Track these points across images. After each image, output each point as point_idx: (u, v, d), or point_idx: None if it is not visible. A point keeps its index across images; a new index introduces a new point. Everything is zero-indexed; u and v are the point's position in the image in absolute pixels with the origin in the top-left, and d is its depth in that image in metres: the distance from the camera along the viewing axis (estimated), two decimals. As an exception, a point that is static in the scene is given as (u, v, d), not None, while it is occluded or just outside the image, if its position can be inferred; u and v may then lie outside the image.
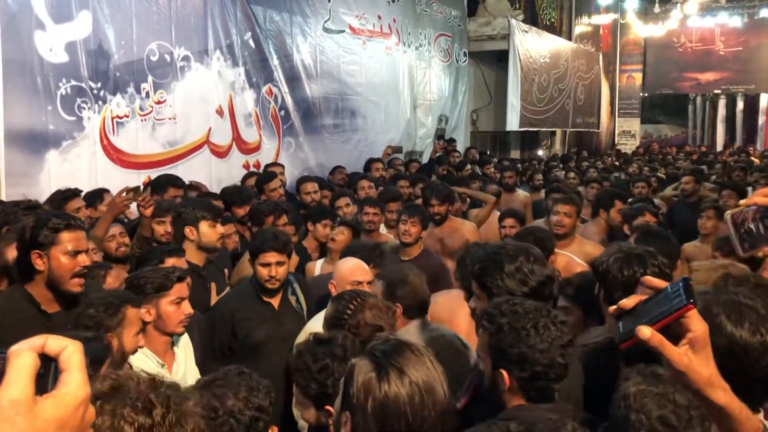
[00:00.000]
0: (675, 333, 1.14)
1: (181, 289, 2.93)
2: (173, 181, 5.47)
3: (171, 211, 4.41)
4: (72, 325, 2.57)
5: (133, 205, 4.34)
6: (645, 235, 3.91)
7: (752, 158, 16.02)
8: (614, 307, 1.22)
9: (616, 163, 14.55)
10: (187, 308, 2.94)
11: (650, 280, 1.22)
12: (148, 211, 4.23)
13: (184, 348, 3.11)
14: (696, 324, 1.15)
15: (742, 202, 1.35)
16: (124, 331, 2.51)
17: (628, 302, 1.20)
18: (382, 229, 5.56)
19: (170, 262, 3.35)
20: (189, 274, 3.25)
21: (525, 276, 2.32)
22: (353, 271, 3.47)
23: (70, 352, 0.78)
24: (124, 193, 4.23)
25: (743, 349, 1.54)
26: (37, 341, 0.78)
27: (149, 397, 1.34)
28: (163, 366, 2.90)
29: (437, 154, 10.41)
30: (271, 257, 3.55)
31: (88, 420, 0.79)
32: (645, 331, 1.12)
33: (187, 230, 3.92)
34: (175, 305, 2.89)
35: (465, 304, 2.69)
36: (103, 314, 2.50)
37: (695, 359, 1.14)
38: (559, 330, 1.95)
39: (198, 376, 3.09)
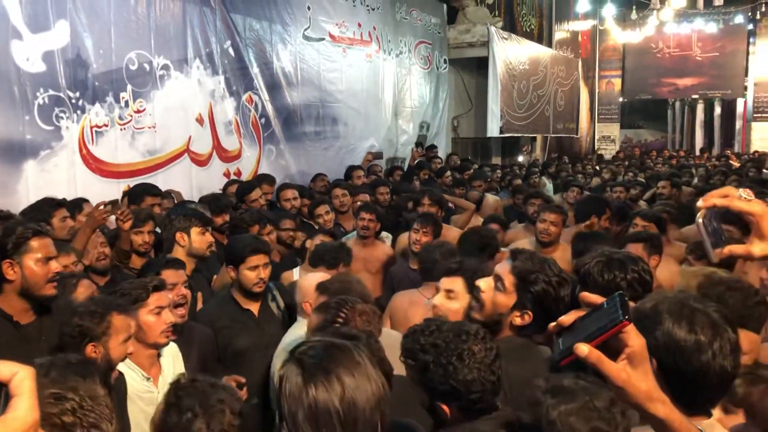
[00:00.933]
0: (614, 348, 1.15)
1: (160, 298, 2.88)
2: (150, 189, 5.45)
3: (149, 221, 4.41)
4: (58, 334, 2.55)
5: (112, 218, 4.33)
6: (582, 237, 4.00)
7: (731, 161, 16.23)
8: (553, 324, 1.23)
9: (597, 168, 14.68)
10: (168, 317, 2.88)
11: (587, 296, 1.22)
12: (127, 225, 4.25)
13: (173, 359, 3.04)
14: (633, 339, 1.16)
15: (699, 203, 1.34)
16: (110, 339, 2.49)
17: (567, 319, 1.21)
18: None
19: (166, 274, 3.28)
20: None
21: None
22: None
23: (21, 377, 0.79)
24: (102, 206, 4.20)
25: (677, 345, 1.58)
26: None
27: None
28: (148, 380, 2.86)
29: (416, 161, 10.46)
30: (259, 260, 3.56)
31: None
32: (583, 348, 1.13)
33: (179, 236, 3.91)
34: (155, 315, 2.84)
35: (421, 303, 2.72)
36: (88, 322, 2.47)
37: (634, 374, 1.15)
38: (484, 348, 1.92)
39: None
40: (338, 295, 2.87)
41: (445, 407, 1.89)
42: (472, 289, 2.66)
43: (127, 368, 2.78)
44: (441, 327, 1.97)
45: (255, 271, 3.57)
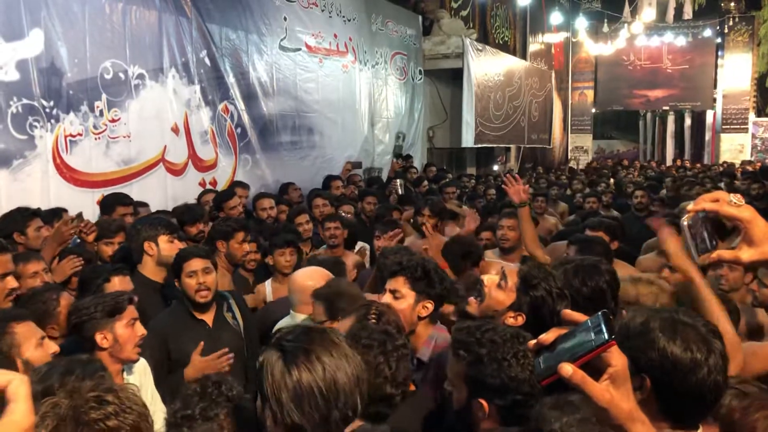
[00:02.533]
0: (595, 367, 1.14)
1: (132, 310, 2.84)
2: (121, 199, 5.39)
3: (120, 232, 4.38)
4: None
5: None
6: (581, 242, 4.08)
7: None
8: (533, 341, 1.21)
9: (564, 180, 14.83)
10: (140, 329, 2.84)
11: (569, 314, 1.21)
12: (91, 237, 4.26)
13: (140, 376, 2.95)
14: (616, 358, 1.15)
15: (689, 207, 1.35)
16: (21, 348, 2.43)
17: (547, 337, 1.19)
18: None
19: (115, 281, 3.24)
20: (147, 291, 3.21)
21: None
22: (311, 275, 3.47)
23: (16, 384, 0.84)
24: (69, 221, 4.15)
25: (673, 364, 1.58)
26: None
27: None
28: None
29: (395, 172, 10.50)
30: (196, 264, 3.42)
31: None
32: (567, 369, 1.12)
33: (146, 245, 3.85)
34: (129, 327, 2.79)
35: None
36: None
37: (616, 394, 1.15)
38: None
39: (159, 402, 2.98)
40: (333, 300, 2.92)
41: (485, 404, 1.89)
42: (421, 288, 2.74)
43: None
44: (496, 327, 2.00)
45: (193, 277, 3.42)
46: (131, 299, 2.87)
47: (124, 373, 2.87)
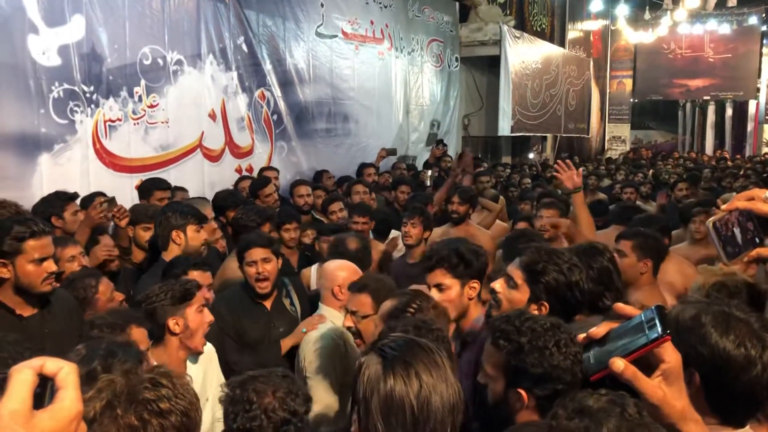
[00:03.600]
0: (647, 363, 1.11)
1: (200, 297, 2.91)
2: (158, 184, 5.44)
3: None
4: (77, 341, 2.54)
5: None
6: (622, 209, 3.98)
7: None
8: (583, 335, 1.18)
9: (603, 170, 14.60)
10: (208, 316, 2.90)
11: (622, 307, 1.18)
12: (123, 222, 4.31)
13: (205, 362, 3.01)
14: (670, 354, 1.12)
15: (723, 207, 1.31)
16: None
17: (598, 331, 1.16)
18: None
19: (194, 275, 3.28)
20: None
21: None
22: (343, 266, 3.48)
23: (66, 372, 0.86)
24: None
25: (726, 361, 1.52)
26: (36, 362, 0.86)
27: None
28: None
29: (436, 158, 10.41)
30: (255, 254, 3.53)
31: None
32: (618, 364, 1.08)
33: (174, 234, 3.86)
34: (200, 313, 2.85)
35: None
36: (108, 335, 2.45)
37: (669, 392, 1.11)
38: (576, 345, 1.88)
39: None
40: (376, 291, 2.89)
41: (524, 394, 1.86)
42: (461, 273, 2.74)
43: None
44: (535, 316, 1.97)
45: (253, 266, 3.55)
46: (199, 286, 2.93)
47: (188, 362, 2.93)
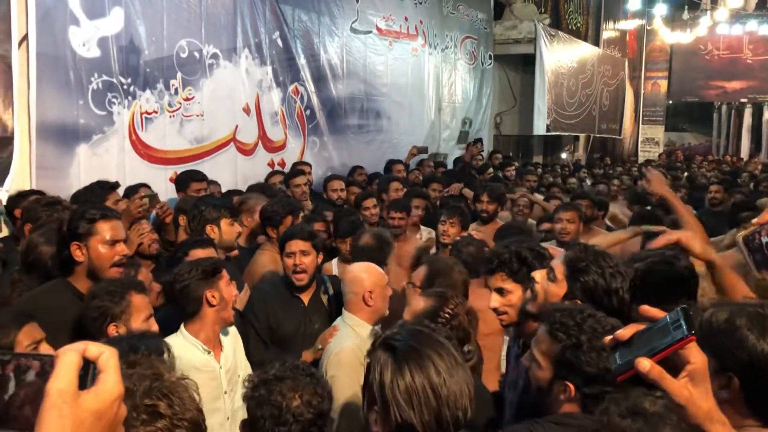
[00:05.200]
0: (672, 364, 1.12)
1: (225, 271, 3.01)
2: (194, 176, 5.45)
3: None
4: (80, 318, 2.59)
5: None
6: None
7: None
8: (609, 337, 1.20)
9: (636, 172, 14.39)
10: (234, 289, 3.01)
11: (648, 309, 1.19)
12: (168, 219, 4.35)
13: (233, 339, 3.13)
14: (696, 355, 1.13)
15: (754, 221, 1.35)
16: (131, 318, 2.51)
17: (625, 332, 1.17)
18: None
19: (197, 253, 3.36)
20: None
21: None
22: (367, 269, 3.40)
23: (107, 356, 0.90)
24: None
25: (765, 363, 1.50)
26: (80, 346, 0.90)
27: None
28: (209, 353, 2.92)
29: (472, 156, 10.33)
30: (295, 245, 3.56)
31: (120, 415, 0.90)
32: (644, 364, 1.10)
33: (209, 229, 3.90)
34: (229, 286, 2.97)
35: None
36: (108, 303, 2.50)
37: (695, 392, 1.12)
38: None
39: (249, 368, 3.15)
40: (442, 274, 2.89)
41: (572, 387, 1.85)
42: (522, 277, 2.66)
43: (186, 342, 2.87)
44: (596, 315, 1.94)
45: (291, 257, 3.59)
46: (224, 264, 3.06)
47: (221, 335, 3.03)
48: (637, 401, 1.41)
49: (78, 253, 2.79)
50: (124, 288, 2.56)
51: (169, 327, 2.89)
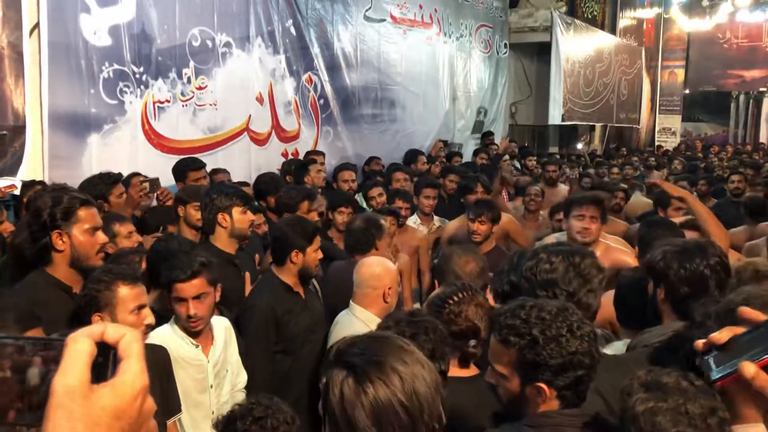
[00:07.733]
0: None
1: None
2: (190, 164, 5.30)
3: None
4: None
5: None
6: (650, 224, 3.80)
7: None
8: (702, 341, 1.14)
9: (658, 162, 14.19)
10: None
11: (748, 312, 1.13)
12: (169, 202, 4.34)
13: (224, 332, 3.04)
14: None
15: None
16: (116, 309, 2.42)
17: (721, 336, 1.12)
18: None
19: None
20: (221, 263, 3.27)
21: None
22: (379, 262, 3.37)
23: (129, 340, 0.74)
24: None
25: None
26: (96, 329, 0.74)
27: None
28: (197, 347, 2.87)
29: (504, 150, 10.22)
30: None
31: (146, 411, 0.75)
32: (750, 369, 1.05)
33: (220, 217, 3.77)
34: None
35: None
36: (93, 291, 2.43)
37: None
38: (588, 324, 1.80)
39: (240, 365, 3.11)
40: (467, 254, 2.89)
41: (545, 387, 1.74)
42: None
43: (176, 336, 2.83)
44: (538, 305, 1.82)
45: (317, 253, 3.57)
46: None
47: (213, 325, 2.98)
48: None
49: (59, 242, 2.68)
50: (112, 277, 2.47)
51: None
